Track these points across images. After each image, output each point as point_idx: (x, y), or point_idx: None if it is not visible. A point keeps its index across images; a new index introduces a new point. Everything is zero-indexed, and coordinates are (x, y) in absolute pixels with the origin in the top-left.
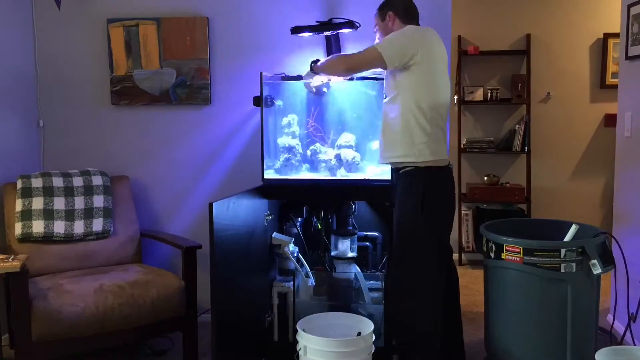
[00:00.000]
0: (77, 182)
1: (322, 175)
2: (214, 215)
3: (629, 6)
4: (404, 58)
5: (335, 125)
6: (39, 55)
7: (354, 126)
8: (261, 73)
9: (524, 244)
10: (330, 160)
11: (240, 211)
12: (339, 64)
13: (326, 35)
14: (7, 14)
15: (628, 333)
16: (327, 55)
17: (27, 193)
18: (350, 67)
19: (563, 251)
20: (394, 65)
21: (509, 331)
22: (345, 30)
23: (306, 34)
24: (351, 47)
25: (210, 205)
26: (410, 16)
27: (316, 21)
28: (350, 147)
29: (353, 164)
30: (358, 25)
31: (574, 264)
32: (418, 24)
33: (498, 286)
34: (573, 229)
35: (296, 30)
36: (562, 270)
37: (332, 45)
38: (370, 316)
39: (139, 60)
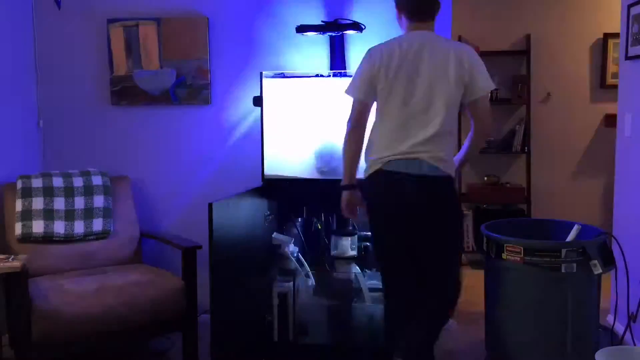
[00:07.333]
0: (77, 182)
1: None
2: (214, 216)
3: (629, 6)
4: (370, 87)
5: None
6: (39, 55)
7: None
8: (261, 73)
9: (525, 244)
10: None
11: (240, 211)
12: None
13: (331, 36)
14: (7, 14)
15: (628, 333)
16: (331, 57)
17: (27, 193)
18: (353, 128)
19: (564, 251)
20: (371, 98)
21: (509, 331)
22: (350, 32)
23: (311, 33)
24: (354, 50)
25: (210, 205)
26: (416, 14)
27: (322, 21)
28: None
29: None
30: (363, 27)
31: (574, 264)
32: (427, 21)
33: (498, 286)
34: (575, 229)
35: (301, 29)
36: (563, 271)
37: (336, 47)
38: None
39: (139, 60)
